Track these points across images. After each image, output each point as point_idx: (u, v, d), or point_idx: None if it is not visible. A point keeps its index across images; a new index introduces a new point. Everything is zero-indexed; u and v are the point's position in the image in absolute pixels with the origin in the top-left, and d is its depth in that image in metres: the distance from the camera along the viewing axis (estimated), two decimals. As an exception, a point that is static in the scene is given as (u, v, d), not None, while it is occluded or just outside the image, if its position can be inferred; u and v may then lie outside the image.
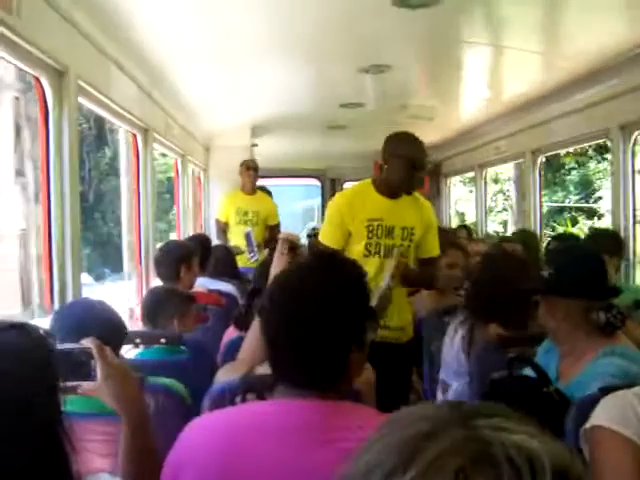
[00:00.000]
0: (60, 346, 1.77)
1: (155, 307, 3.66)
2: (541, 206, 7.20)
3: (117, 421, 2.32)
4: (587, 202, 19.28)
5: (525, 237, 5.91)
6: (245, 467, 1.57)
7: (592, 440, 1.98)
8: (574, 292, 2.64)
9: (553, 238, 6.52)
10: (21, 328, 1.50)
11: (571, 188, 18.59)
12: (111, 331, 2.58)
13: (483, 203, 9.42)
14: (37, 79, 3.24)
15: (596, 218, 18.33)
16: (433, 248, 4.27)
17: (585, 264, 2.72)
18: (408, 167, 4.03)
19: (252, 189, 7.86)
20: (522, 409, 2.22)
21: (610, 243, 4.76)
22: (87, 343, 1.81)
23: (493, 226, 16.36)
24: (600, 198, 18.18)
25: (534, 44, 4.97)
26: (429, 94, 7.20)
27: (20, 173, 9.68)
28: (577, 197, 18.97)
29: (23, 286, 9.34)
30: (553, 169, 18.33)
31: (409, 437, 0.71)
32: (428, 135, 9.28)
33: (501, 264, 3.78)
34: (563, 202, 18.73)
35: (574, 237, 6.35)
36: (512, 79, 6.15)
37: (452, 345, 3.60)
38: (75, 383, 1.81)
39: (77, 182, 3.50)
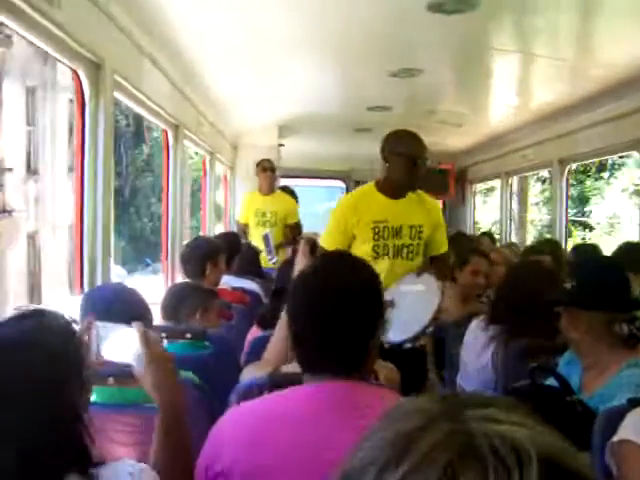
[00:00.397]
0: (102, 323, 1.84)
1: (176, 302, 3.63)
2: (567, 217, 7.17)
3: (143, 412, 2.37)
4: (583, 216, 21.42)
5: (553, 248, 5.87)
6: (278, 454, 1.63)
7: (619, 454, 1.98)
8: (596, 304, 2.61)
9: (574, 248, 6.48)
10: (40, 316, 1.53)
11: (569, 203, 19.36)
12: (138, 318, 2.66)
13: (508, 211, 9.39)
14: (75, 71, 3.27)
15: (587, 230, 20.89)
16: (442, 245, 4.34)
17: (607, 276, 2.69)
18: (409, 165, 4.04)
19: (269, 189, 7.78)
20: (544, 418, 2.22)
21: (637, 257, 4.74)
22: (134, 326, 1.83)
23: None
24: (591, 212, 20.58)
25: (564, 52, 4.97)
26: (458, 100, 7.19)
27: (72, 169, 10.00)
28: (574, 211, 20.33)
29: (70, 271, 10.16)
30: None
31: (402, 431, 0.70)
32: (455, 141, 9.32)
33: (529, 274, 3.78)
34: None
35: (595, 248, 6.32)
36: (541, 87, 6.14)
37: (478, 357, 3.60)
38: (111, 359, 1.85)
39: (111, 174, 3.54)
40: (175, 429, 1.80)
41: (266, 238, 7.21)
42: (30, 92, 14.33)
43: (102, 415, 2.25)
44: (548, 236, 8.61)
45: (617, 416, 2.10)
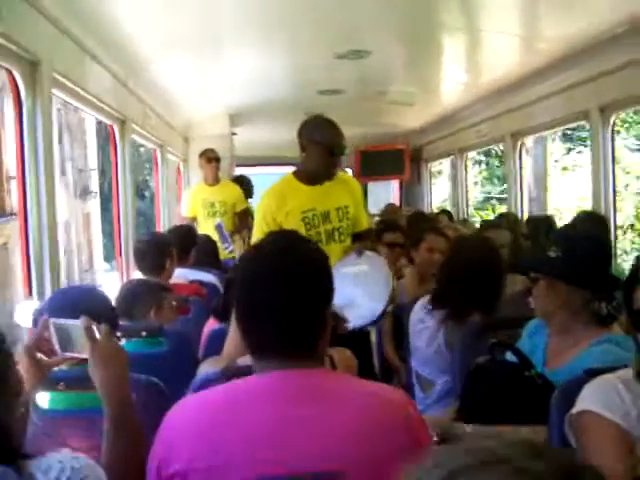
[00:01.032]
0: (56, 320, 1.88)
1: (130, 301, 3.58)
2: (522, 191, 7.20)
3: (99, 416, 2.31)
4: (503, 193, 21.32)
5: (510, 222, 5.88)
6: (236, 437, 1.59)
7: (579, 425, 1.97)
8: (581, 281, 2.55)
9: (528, 220, 6.48)
10: None
11: (496, 182, 20.14)
12: (102, 316, 2.65)
13: (463, 187, 9.41)
14: (9, 72, 3.19)
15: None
16: (364, 221, 4.38)
17: (595, 252, 2.62)
18: (326, 154, 4.03)
19: (215, 179, 7.72)
20: (504, 393, 2.22)
21: (600, 227, 4.78)
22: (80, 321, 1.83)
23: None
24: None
25: (512, 27, 4.96)
26: (408, 80, 7.17)
27: (63, 173, 10.81)
28: (500, 189, 20.18)
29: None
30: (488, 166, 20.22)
31: None
32: (408, 120, 9.31)
33: (467, 249, 3.74)
34: (489, 193, 20.42)
35: (549, 219, 6.35)
36: (491, 63, 6.14)
37: (430, 341, 3.56)
38: (70, 355, 1.90)
39: (53, 172, 3.47)
40: (124, 426, 1.78)
41: (219, 228, 7.18)
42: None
43: (58, 421, 2.23)
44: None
45: (575, 388, 2.08)
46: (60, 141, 10.13)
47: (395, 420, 1.61)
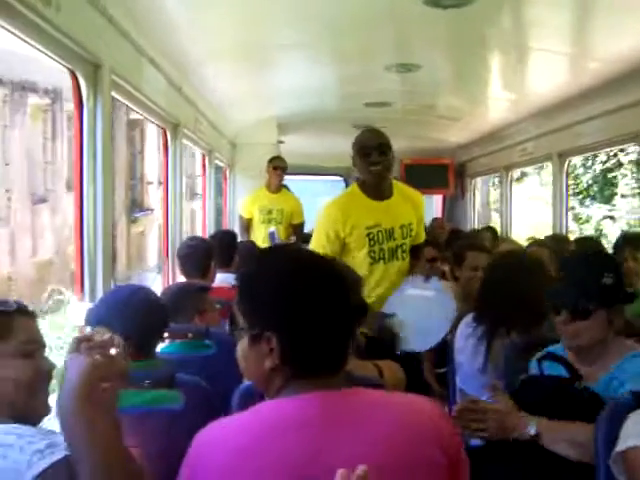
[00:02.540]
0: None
1: (172, 309, 3.59)
2: (567, 211, 7.16)
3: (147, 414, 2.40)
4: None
5: (555, 242, 5.84)
6: (264, 464, 1.53)
7: (631, 462, 1.96)
8: (622, 300, 2.66)
9: (575, 241, 6.45)
10: None
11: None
12: (159, 319, 2.88)
13: (508, 205, 9.37)
14: (72, 72, 3.27)
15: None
16: (421, 236, 4.38)
17: (618, 271, 2.68)
18: (361, 156, 4.05)
19: (277, 188, 7.81)
20: (553, 405, 2.20)
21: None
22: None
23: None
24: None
25: (562, 46, 4.95)
26: (456, 94, 7.18)
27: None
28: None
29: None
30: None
31: None
32: (454, 135, 9.32)
33: (509, 265, 3.70)
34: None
35: (594, 240, 6.35)
36: (540, 81, 6.12)
37: (474, 357, 3.55)
38: None
39: (110, 174, 3.53)
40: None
41: (272, 235, 7.22)
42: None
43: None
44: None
45: (622, 408, 2.12)
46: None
47: (427, 431, 1.60)
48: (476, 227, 10.11)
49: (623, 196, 18.33)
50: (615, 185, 18.85)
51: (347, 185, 11.85)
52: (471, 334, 3.57)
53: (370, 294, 4.01)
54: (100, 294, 3.33)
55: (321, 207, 4.48)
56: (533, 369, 2.81)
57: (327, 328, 1.64)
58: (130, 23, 3.77)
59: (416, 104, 7.42)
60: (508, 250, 5.09)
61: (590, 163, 17.92)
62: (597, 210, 19.05)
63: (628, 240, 4.94)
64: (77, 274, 3.43)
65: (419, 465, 1.56)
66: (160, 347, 3.33)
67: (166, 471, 1.90)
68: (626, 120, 5.39)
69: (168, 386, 2.66)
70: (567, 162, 6.98)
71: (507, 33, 4.86)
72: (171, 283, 5.09)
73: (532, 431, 2.35)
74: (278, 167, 7.74)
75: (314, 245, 4.18)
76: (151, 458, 2.43)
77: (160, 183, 10.78)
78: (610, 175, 18.71)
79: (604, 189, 18.96)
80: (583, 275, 2.70)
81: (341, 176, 11.88)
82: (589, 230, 18.25)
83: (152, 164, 18.21)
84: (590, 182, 19.17)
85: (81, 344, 1.77)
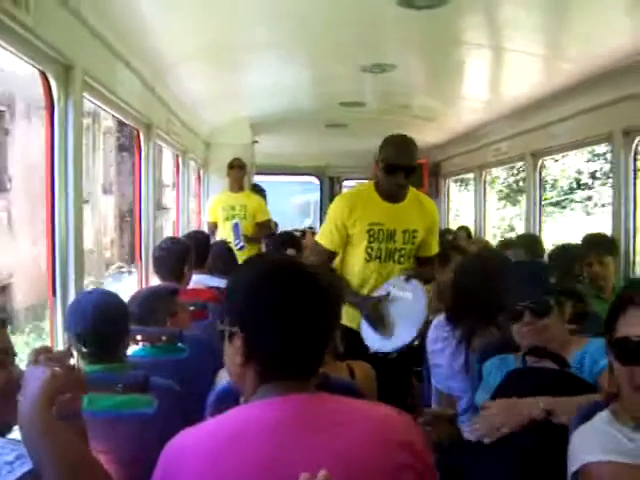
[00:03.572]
0: None
1: (145, 314, 3.54)
2: (541, 209, 7.20)
3: (118, 419, 2.37)
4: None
5: (528, 241, 5.87)
6: (238, 470, 1.53)
7: (590, 477, 1.96)
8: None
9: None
10: None
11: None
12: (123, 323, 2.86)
13: (482, 205, 9.41)
14: (43, 74, 3.23)
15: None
16: (433, 248, 4.34)
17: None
18: (384, 171, 4.04)
19: (238, 188, 7.89)
20: (546, 390, 2.19)
21: (611, 244, 4.86)
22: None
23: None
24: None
25: (536, 47, 4.98)
26: (431, 95, 7.20)
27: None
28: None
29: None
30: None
31: None
32: (428, 135, 9.33)
33: (482, 263, 3.74)
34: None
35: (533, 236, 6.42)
36: (514, 81, 6.15)
37: (454, 358, 3.57)
38: None
39: (80, 175, 3.49)
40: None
41: (235, 226, 7.28)
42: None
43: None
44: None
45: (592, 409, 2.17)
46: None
47: (395, 445, 1.59)
48: (450, 227, 10.15)
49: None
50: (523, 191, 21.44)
51: (321, 185, 11.87)
52: (448, 336, 3.57)
53: (360, 290, 4.09)
54: (72, 298, 3.30)
55: (336, 198, 4.56)
56: (495, 368, 2.91)
57: (292, 331, 1.64)
58: (103, 25, 3.74)
59: (391, 104, 7.44)
60: (477, 252, 5.10)
61: (505, 176, 20.95)
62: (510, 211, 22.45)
63: (593, 244, 4.94)
64: (49, 278, 3.39)
65: (387, 471, 1.55)
66: (133, 350, 3.32)
67: (139, 475, 1.88)
68: (599, 121, 5.43)
69: (142, 390, 2.64)
70: (540, 162, 7.02)
71: (481, 34, 4.87)
72: (143, 286, 5.05)
73: (541, 404, 2.35)
74: (234, 166, 7.81)
75: (322, 231, 4.27)
76: (124, 462, 2.43)
77: (174, 185, 11.31)
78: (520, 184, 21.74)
79: (515, 195, 22.37)
80: (536, 276, 2.87)
81: (316, 176, 11.89)
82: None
83: (167, 170, 19.60)
84: (506, 190, 22.68)
85: (40, 355, 1.76)
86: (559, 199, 21.58)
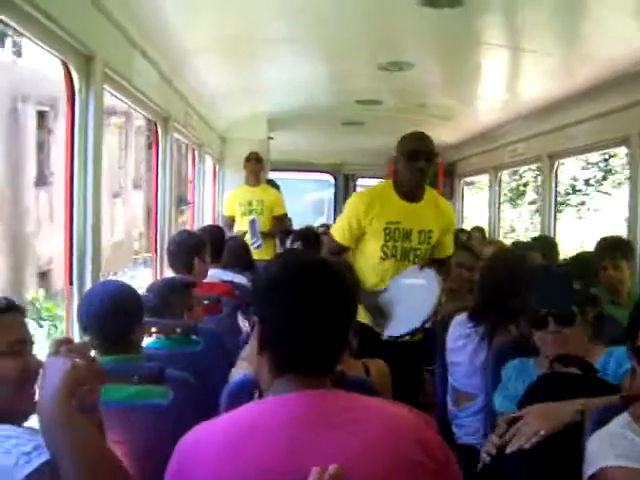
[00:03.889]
0: None
1: (161, 304, 3.57)
2: (555, 213, 7.18)
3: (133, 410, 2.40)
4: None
5: (544, 244, 5.84)
6: (252, 465, 1.53)
7: None
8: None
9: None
10: None
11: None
12: (136, 315, 2.88)
13: (497, 205, 9.40)
14: (64, 64, 3.25)
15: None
16: (448, 248, 4.35)
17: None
18: (406, 160, 4.06)
19: (255, 181, 7.89)
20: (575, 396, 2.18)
21: (627, 248, 4.83)
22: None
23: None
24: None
25: (554, 48, 4.97)
26: (447, 94, 7.18)
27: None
28: None
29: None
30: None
31: None
32: (444, 135, 9.32)
33: (502, 264, 3.77)
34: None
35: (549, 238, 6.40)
36: (531, 82, 6.14)
37: (474, 356, 3.58)
38: None
39: (100, 166, 3.51)
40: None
41: (252, 223, 7.29)
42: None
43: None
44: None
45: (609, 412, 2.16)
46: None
47: (409, 443, 1.59)
48: (464, 227, 10.14)
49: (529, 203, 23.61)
50: (524, 195, 24.03)
51: (336, 182, 11.87)
52: (470, 333, 3.58)
53: (375, 288, 4.07)
54: (88, 287, 3.32)
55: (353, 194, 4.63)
56: (515, 372, 2.88)
57: (307, 326, 1.65)
58: (123, 15, 3.75)
59: (407, 103, 7.43)
60: (504, 250, 5.08)
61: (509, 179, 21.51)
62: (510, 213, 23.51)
63: (607, 249, 4.90)
64: (66, 268, 3.41)
65: (401, 468, 1.55)
66: (147, 342, 3.34)
67: (154, 466, 1.89)
68: (615, 124, 5.42)
69: (157, 381, 2.66)
70: (557, 164, 7.00)
71: (499, 34, 4.87)
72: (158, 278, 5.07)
73: (578, 406, 2.32)
74: (251, 159, 7.83)
75: (337, 224, 4.33)
76: (138, 453, 2.43)
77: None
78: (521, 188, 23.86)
79: (516, 198, 23.97)
80: (565, 282, 2.81)
81: (330, 173, 11.89)
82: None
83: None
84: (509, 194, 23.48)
85: (61, 347, 1.78)
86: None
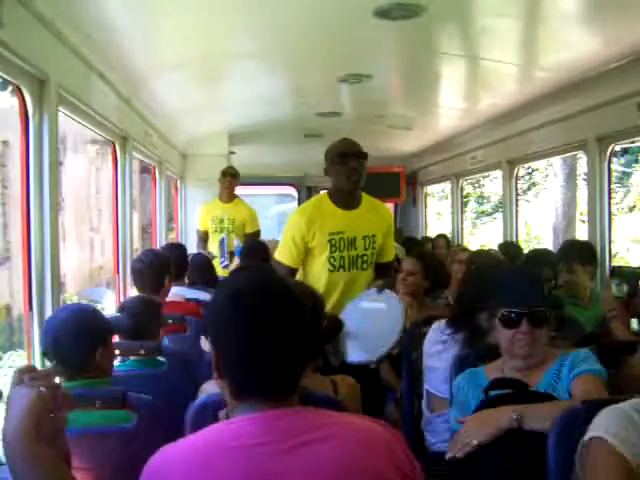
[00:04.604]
0: None
1: (140, 327, 3.51)
2: (517, 217, 7.24)
3: (101, 435, 2.34)
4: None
5: (508, 248, 5.91)
6: None
7: (590, 450, 1.98)
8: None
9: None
10: None
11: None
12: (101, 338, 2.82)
13: (459, 212, 9.46)
14: (18, 88, 3.20)
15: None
16: (390, 252, 4.41)
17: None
18: (338, 162, 4.10)
19: (228, 196, 7.82)
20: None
21: (585, 252, 4.86)
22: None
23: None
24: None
25: (511, 56, 5.00)
26: (407, 104, 7.21)
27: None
28: None
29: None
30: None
31: None
32: (405, 144, 9.37)
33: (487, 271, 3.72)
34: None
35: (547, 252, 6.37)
36: (489, 90, 6.17)
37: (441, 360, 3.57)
38: None
39: (56, 189, 3.46)
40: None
41: (222, 242, 7.25)
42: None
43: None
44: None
45: (574, 416, 2.20)
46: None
47: (378, 456, 1.59)
48: (427, 235, 10.19)
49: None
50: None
51: (299, 195, 11.86)
52: (447, 340, 3.57)
53: (327, 301, 3.98)
54: (49, 312, 3.26)
55: (291, 213, 4.58)
56: (466, 383, 2.88)
57: (259, 349, 1.62)
58: (78, 38, 3.72)
59: (367, 114, 7.44)
60: (483, 257, 5.10)
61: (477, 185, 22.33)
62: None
63: (564, 252, 4.94)
64: (25, 293, 3.35)
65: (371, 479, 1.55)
66: (115, 365, 3.30)
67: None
68: (573, 128, 5.47)
69: (120, 406, 2.62)
70: (516, 169, 7.06)
71: (456, 43, 4.89)
72: (122, 299, 5.01)
73: (515, 415, 2.39)
74: (227, 174, 7.77)
75: (281, 248, 4.28)
76: (107, 478, 2.40)
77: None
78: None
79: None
80: (537, 282, 2.86)
81: (293, 186, 11.87)
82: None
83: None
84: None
85: (24, 375, 1.74)
86: (491, 211, 23.27)
